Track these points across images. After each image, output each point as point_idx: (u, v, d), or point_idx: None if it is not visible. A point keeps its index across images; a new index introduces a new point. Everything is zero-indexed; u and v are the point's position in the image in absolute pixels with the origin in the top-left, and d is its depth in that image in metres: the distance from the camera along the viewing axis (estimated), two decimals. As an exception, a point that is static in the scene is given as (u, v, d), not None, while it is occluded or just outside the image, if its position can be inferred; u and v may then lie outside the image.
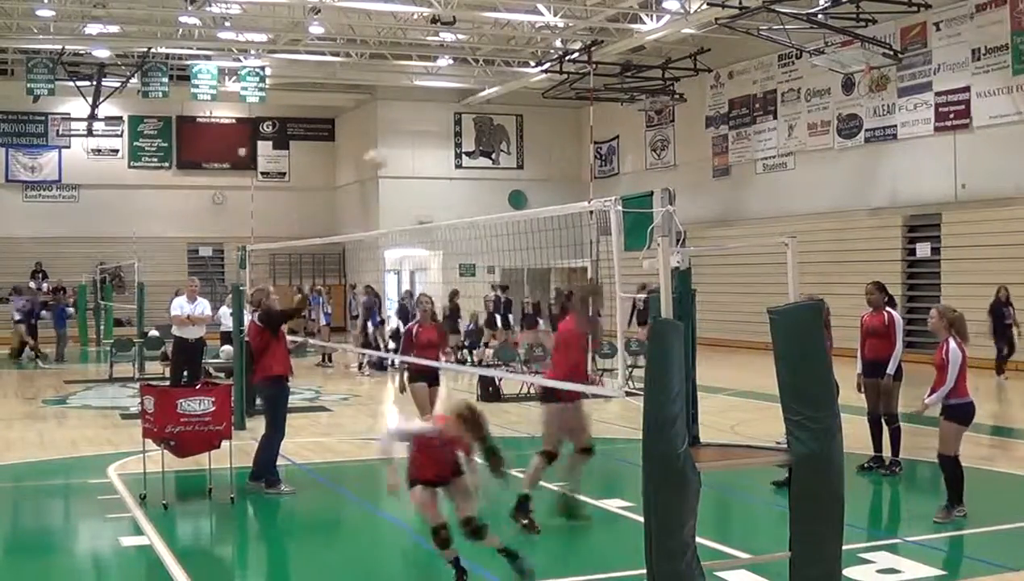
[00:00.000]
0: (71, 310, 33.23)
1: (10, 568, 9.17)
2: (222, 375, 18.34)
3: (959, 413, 9.88)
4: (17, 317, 30.04)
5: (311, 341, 26.14)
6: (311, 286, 33.86)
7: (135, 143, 43.53)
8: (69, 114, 41.24)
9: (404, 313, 24.89)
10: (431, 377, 13.27)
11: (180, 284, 22.34)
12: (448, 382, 23.93)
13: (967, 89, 27.07)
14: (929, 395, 9.93)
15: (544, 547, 10.09)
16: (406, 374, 13.38)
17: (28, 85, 34.82)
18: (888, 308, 12.59)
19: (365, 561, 9.74)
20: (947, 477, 9.94)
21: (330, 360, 27.83)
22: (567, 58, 34.30)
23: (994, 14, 26.25)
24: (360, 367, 26.19)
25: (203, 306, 18.46)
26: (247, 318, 14.55)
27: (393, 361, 22.67)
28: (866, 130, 30.17)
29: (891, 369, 12.20)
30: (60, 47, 33.86)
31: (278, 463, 12.19)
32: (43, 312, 32.01)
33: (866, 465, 12.25)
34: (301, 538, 10.53)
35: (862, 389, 12.48)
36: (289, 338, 12.98)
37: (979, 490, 10.26)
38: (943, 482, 10.03)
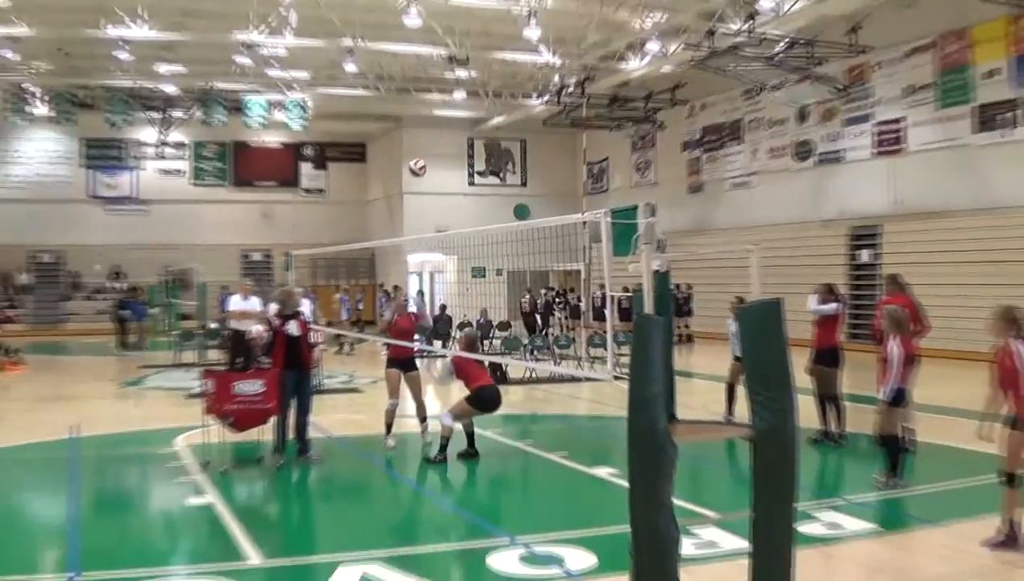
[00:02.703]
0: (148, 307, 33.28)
1: (96, 524, 9.21)
2: (270, 362, 18.36)
3: (896, 397, 9.92)
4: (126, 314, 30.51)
5: (334, 331, 25.99)
6: (336, 286, 33.91)
7: (197, 164, 43.58)
8: (142, 140, 41.35)
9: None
10: (404, 363, 12.70)
11: (235, 285, 22.38)
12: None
13: (902, 120, 27.05)
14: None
15: (541, 507, 10.12)
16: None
17: (108, 116, 34.91)
18: (823, 304, 12.66)
19: (389, 517, 9.79)
20: (888, 453, 9.94)
21: (352, 348, 27.97)
22: (564, 91, 34.29)
23: (923, 57, 26.23)
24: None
25: (254, 303, 18.49)
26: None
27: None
28: (817, 154, 30.15)
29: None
30: (135, 84, 33.93)
31: (315, 436, 12.19)
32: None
33: (815, 438, 12.29)
34: (336, 498, 10.57)
35: (812, 373, 12.53)
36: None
37: (910, 459, 10.26)
38: (884, 453, 10.05)
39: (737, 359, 12.90)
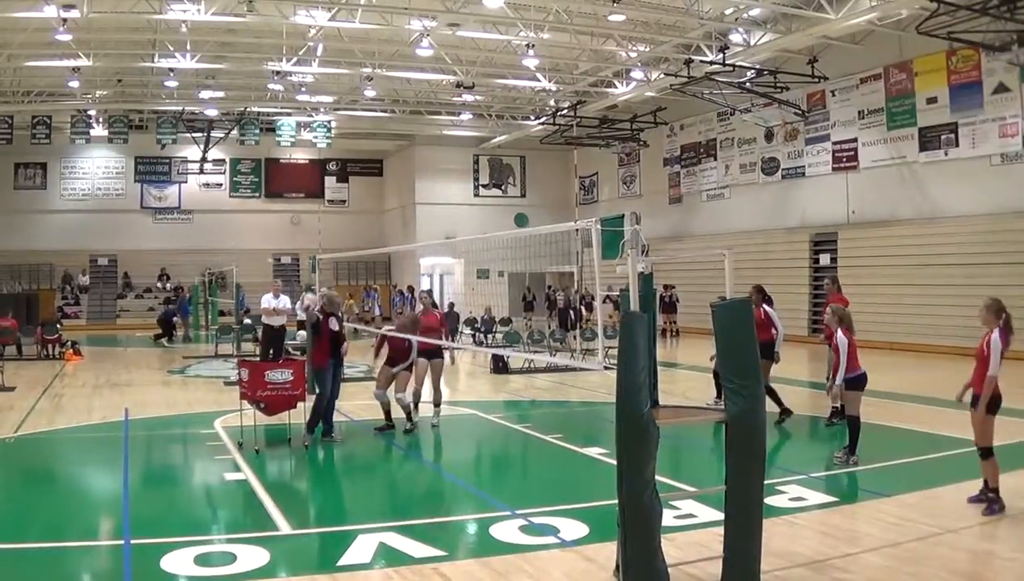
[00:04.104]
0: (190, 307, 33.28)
1: (145, 496, 9.19)
2: (298, 353, 18.34)
3: (858, 382, 9.96)
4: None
5: (368, 328, 26.09)
6: (366, 285, 33.82)
7: (234, 178, 43.52)
8: (186, 157, 41.31)
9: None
10: (430, 353, 12.75)
11: (267, 284, 22.31)
12: (469, 357, 24.07)
13: (855, 140, 27.01)
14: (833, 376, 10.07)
15: (536, 483, 10.10)
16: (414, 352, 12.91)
17: (157, 136, 34.93)
18: (764, 305, 12.58)
19: (402, 492, 9.77)
20: (850, 432, 9.97)
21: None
22: (559, 113, 34.27)
23: (873, 85, 26.22)
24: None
25: (284, 301, 18.45)
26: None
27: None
28: (782, 169, 30.11)
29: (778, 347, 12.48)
30: (181, 108, 33.92)
31: (337, 419, 12.19)
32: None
33: (778, 420, 12.32)
34: (356, 474, 10.55)
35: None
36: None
37: (867, 439, 10.25)
38: (846, 434, 10.05)
39: None
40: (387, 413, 12.47)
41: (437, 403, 12.94)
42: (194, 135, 36.29)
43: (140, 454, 11.42)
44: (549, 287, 37.10)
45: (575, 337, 23.97)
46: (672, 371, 19.90)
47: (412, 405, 12.62)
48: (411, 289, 29.55)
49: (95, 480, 10.10)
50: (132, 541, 7.26)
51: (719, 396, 13.35)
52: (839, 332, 10.01)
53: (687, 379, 18.40)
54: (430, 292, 14.15)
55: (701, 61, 26.07)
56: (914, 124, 24.98)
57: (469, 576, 6.46)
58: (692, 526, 7.54)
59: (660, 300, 28.45)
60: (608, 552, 6.64)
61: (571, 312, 29.38)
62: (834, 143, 27.84)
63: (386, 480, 10.39)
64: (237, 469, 10.06)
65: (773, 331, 12.40)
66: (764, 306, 12.53)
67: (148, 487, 9.76)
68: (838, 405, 11.78)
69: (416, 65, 29.40)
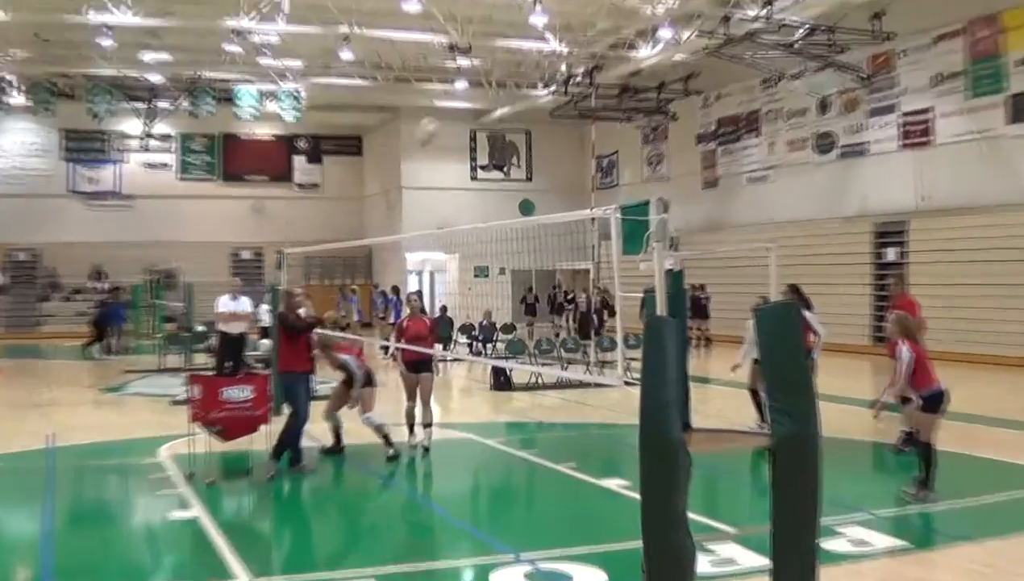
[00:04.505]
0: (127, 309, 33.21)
1: (72, 540, 9.16)
2: (261, 366, 18.33)
3: (932, 402, 9.91)
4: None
5: (345, 335, 26.05)
6: (342, 286, 33.81)
7: (184, 158, 43.61)
8: (126, 132, 41.36)
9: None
10: (417, 364, 12.96)
11: (224, 285, 22.34)
12: (464, 370, 24.06)
13: (929, 110, 26.98)
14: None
15: (544, 521, 10.08)
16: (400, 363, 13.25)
17: (89, 107, 34.96)
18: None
19: (385, 531, 9.75)
20: (923, 462, 9.94)
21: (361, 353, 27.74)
22: (571, 81, 34.27)
23: (952, 44, 26.14)
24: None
25: (244, 304, 18.45)
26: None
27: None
28: (839, 146, 30.09)
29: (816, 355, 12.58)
30: (118, 73, 33.94)
31: (307, 445, 12.18)
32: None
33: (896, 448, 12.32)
34: (329, 511, 10.55)
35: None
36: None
37: (944, 470, 10.20)
38: (918, 464, 10.02)
39: (757, 362, 12.88)
40: (338, 436, 12.80)
41: (428, 424, 13.05)
42: (135, 105, 36.38)
43: (67, 489, 11.39)
44: (554, 287, 37.16)
45: (590, 347, 23.95)
46: (705, 387, 19.87)
47: (407, 428, 12.90)
48: (396, 290, 29.53)
49: (10, 521, 10.07)
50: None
51: (762, 418, 13.33)
52: (902, 344, 10.05)
53: (723, 396, 18.36)
54: (419, 294, 14.17)
55: (742, 18, 26.04)
56: (1002, 90, 24.90)
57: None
58: (732, 574, 7.50)
59: (690, 302, 28.42)
60: (630, 605, 6.60)
61: (595, 317, 29.30)
62: (903, 114, 27.80)
63: (366, 518, 10.37)
64: (186, 506, 10.03)
65: (812, 337, 12.43)
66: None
67: (76, 529, 9.72)
68: (910, 429, 11.73)
69: (402, 23, 29.42)
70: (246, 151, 44.34)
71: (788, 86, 30.69)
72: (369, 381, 12.74)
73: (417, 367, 12.95)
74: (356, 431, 12.71)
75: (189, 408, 11.42)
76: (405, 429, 13.12)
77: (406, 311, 13.76)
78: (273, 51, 32.83)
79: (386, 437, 12.47)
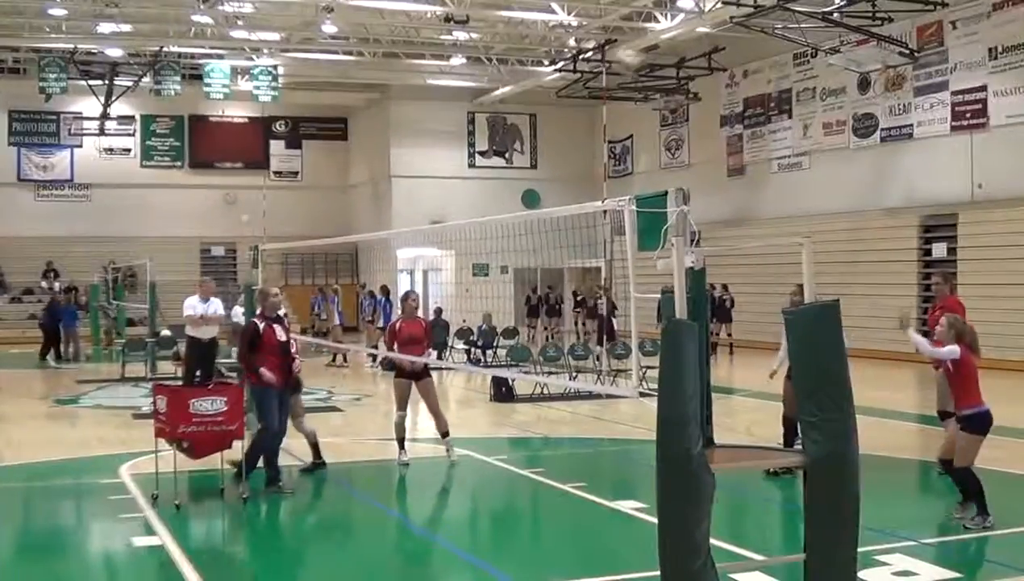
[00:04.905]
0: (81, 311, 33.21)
1: (21, 570, 9.17)
2: (235, 375, 18.34)
3: (975, 423, 9.84)
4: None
5: (321, 342, 26.18)
6: (320, 287, 33.85)
7: (147, 142, 43.66)
8: (81, 113, 41.38)
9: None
10: (415, 372, 13.11)
11: (193, 284, 22.34)
12: (462, 379, 24.06)
13: (984, 88, 26.95)
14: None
15: (550, 548, 10.10)
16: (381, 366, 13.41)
17: (40, 84, 34.89)
18: None
19: (374, 560, 9.73)
20: (962, 489, 9.89)
21: (345, 360, 27.78)
22: (581, 57, 34.26)
23: (1011, 12, 26.11)
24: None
25: (216, 306, 18.45)
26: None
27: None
28: (882, 129, 30.08)
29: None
30: (72, 46, 33.94)
31: (286, 463, 12.19)
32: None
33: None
34: (312, 538, 10.55)
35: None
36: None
37: (998, 492, 10.20)
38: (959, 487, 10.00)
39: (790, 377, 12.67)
40: (316, 448, 12.88)
41: (444, 433, 13.29)
42: (91, 83, 36.33)
43: (15, 513, 11.41)
44: (549, 288, 37.32)
45: (600, 354, 23.97)
46: (728, 398, 19.89)
47: (397, 443, 12.97)
48: (385, 290, 29.53)
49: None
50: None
51: (790, 434, 13.19)
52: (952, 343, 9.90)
53: (750, 409, 18.38)
54: (416, 294, 14.25)
55: (772, -16, 26.05)
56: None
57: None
58: (760, 608, 7.52)
59: (712, 303, 28.33)
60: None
61: (614, 320, 29.26)
62: (954, 93, 27.77)
63: (351, 545, 10.36)
64: (150, 531, 10.03)
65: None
66: None
67: (25, 559, 9.72)
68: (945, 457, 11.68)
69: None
70: (217, 135, 44.34)
71: (824, 61, 30.64)
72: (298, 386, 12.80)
73: (414, 373, 13.04)
74: (341, 448, 12.70)
75: (154, 422, 11.41)
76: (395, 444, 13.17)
77: (397, 312, 13.81)
78: (247, 22, 32.86)
79: (315, 447, 12.64)
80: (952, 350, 9.77)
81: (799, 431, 11.69)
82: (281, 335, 12.02)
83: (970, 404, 9.76)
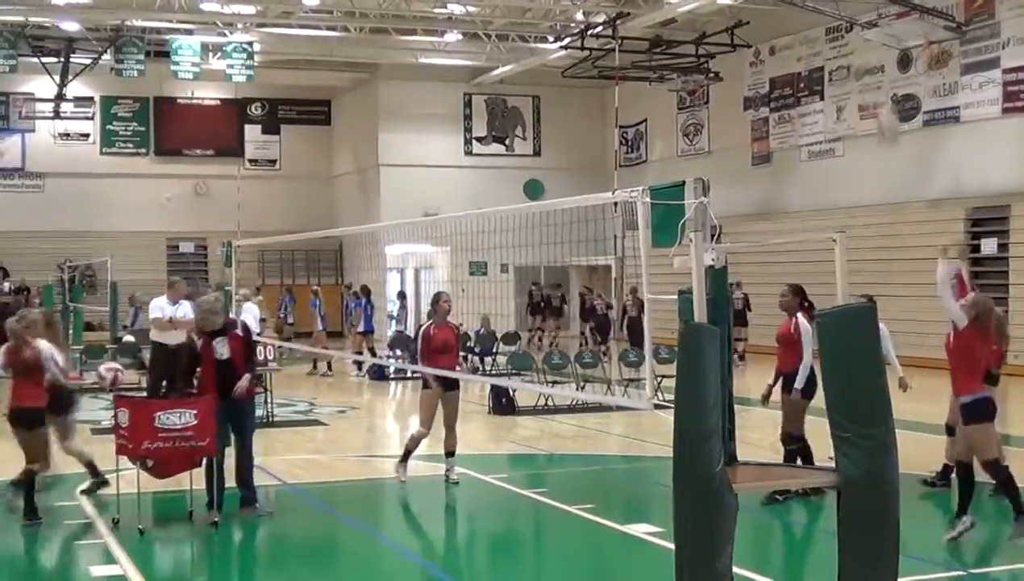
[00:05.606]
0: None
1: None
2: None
3: (976, 410, 9.97)
4: None
5: (301, 347, 26.10)
6: (288, 287, 33.99)
7: (108, 127, 43.61)
8: (34, 94, 41.35)
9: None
10: (446, 380, 13.16)
11: (158, 283, 22.37)
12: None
13: (1039, 67, 27.04)
14: None
15: (559, 575, 10.12)
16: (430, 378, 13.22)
17: (-13, 61, 35.01)
18: (800, 314, 12.35)
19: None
20: (1006, 492, 9.97)
21: (329, 368, 27.75)
22: (589, 33, 34.27)
23: (1070, -19, 26.21)
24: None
25: (185, 309, 18.46)
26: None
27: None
28: (925, 112, 30.07)
29: (799, 383, 12.09)
30: (23, 19, 33.97)
31: (263, 482, 12.20)
32: None
33: (929, 481, 12.32)
34: (291, 566, 10.52)
35: (766, 403, 12.72)
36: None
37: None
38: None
39: (804, 393, 12.60)
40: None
41: (451, 451, 13.33)
42: (45, 60, 36.35)
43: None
44: (534, 285, 37.54)
45: (608, 360, 24.07)
46: (749, 410, 19.87)
47: (402, 455, 13.15)
48: (366, 291, 29.43)
49: None
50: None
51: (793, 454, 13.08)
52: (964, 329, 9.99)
53: (776, 422, 18.37)
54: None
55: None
56: None
57: None
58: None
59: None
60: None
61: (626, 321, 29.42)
62: (1006, 71, 27.75)
63: (334, 571, 10.39)
64: (110, 560, 10.04)
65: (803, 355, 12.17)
66: (798, 315, 12.37)
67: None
68: (953, 460, 11.71)
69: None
70: (185, 119, 44.34)
71: (861, 37, 30.68)
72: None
73: (447, 384, 13.10)
74: (324, 465, 12.70)
75: (115, 438, 11.42)
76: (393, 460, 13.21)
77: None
78: (219, -6, 32.93)
79: (90, 465, 12.64)
80: (958, 313, 9.84)
81: (804, 448, 11.89)
82: (222, 352, 11.70)
83: (970, 390, 9.89)
